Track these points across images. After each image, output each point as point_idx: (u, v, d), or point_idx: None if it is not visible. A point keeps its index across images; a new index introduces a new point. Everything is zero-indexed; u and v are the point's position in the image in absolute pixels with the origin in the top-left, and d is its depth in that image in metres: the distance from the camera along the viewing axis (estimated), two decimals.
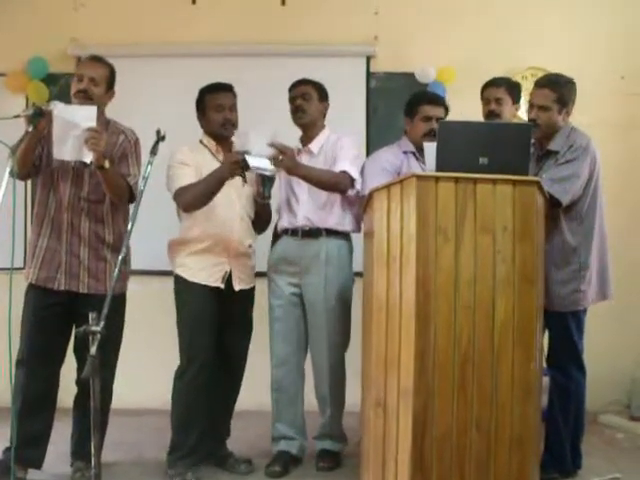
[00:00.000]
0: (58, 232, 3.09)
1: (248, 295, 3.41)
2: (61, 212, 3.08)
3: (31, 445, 3.02)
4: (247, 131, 3.13)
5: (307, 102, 3.42)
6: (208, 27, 4.60)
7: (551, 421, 3.17)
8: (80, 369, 3.15)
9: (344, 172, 3.31)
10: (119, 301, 3.06)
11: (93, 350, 2.19)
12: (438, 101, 3.50)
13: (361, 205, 3.15)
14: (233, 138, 3.32)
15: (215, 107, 3.29)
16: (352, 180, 3.32)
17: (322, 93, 3.49)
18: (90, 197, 3.10)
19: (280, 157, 3.10)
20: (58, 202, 3.09)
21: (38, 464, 3.12)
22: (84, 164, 3.00)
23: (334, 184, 3.31)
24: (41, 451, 3.12)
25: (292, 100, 3.46)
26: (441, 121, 3.00)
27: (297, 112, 3.43)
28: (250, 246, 3.37)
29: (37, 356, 3.02)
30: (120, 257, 2.45)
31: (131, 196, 3.17)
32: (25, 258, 3.23)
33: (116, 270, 2.46)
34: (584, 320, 3.23)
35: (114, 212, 3.17)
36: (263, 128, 3.10)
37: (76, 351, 3.18)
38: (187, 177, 3.21)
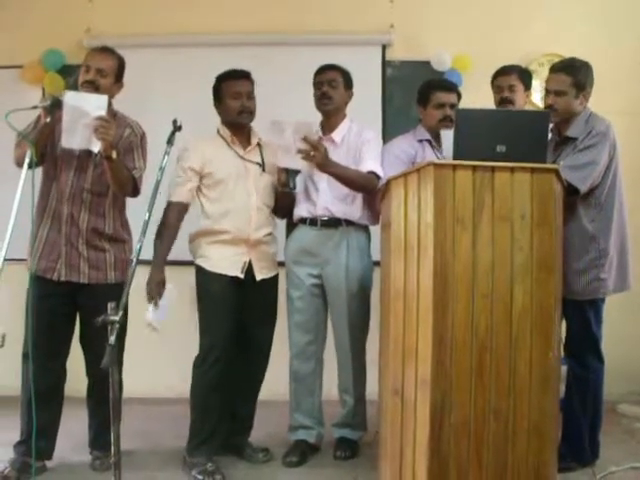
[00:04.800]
0: (58, 223, 3.08)
1: (271, 284, 3.40)
2: (62, 203, 3.07)
3: (40, 437, 2.98)
4: (281, 121, 3.11)
5: (334, 89, 3.39)
6: (223, 17, 4.60)
7: (569, 411, 3.15)
8: (89, 360, 3.19)
9: (371, 172, 3.30)
10: (121, 289, 2.97)
11: (112, 339, 2.20)
12: (450, 87, 3.50)
13: (378, 195, 3.14)
14: (261, 124, 3.28)
15: (232, 94, 3.27)
16: (378, 178, 3.31)
17: (348, 81, 3.46)
18: (93, 189, 3.09)
19: (312, 153, 3.08)
20: (59, 193, 3.08)
21: (48, 455, 3.15)
22: (89, 154, 2.99)
23: (363, 186, 3.30)
24: (50, 442, 3.15)
25: (318, 85, 3.42)
26: (458, 109, 2.99)
27: (323, 98, 3.40)
28: (269, 234, 3.37)
29: (42, 348, 2.99)
30: (137, 246, 2.47)
31: (135, 190, 3.17)
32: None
33: (134, 260, 2.47)
34: (602, 309, 3.21)
35: (114, 204, 3.17)
36: (299, 121, 3.08)
37: (83, 342, 3.20)
38: (180, 192, 3.24)
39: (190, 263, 3.34)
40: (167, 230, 3.21)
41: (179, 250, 3.27)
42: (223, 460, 3.28)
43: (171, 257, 3.23)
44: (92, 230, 3.10)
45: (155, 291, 3.11)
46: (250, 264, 3.28)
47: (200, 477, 3.08)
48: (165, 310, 3.16)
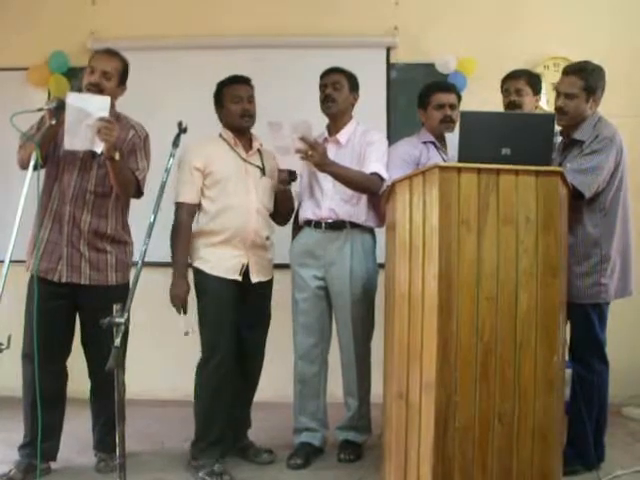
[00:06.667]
0: (60, 224, 3.07)
1: (266, 288, 3.41)
2: (64, 204, 3.06)
3: (44, 438, 2.99)
4: (280, 121, 3.12)
5: (337, 91, 3.41)
6: (227, 19, 4.60)
7: (574, 414, 3.14)
8: (91, 361, 3.19)
9: (375, 174, 3.29)
10: (122, 291, 2.96)
11: (117, 341, 2.19)
12: (449, 87, 3.53)
13: (383, 197, 3.13)
14: (262, 127, 3.29)
15: (233, 98, 3.30)
16: (382, 180, 3.30)
17: (353, 84, 3.47)
18: (97, 190, 3.09)
19: (310, 152, 3.09)
20: (62, 194, 3.07)
21: (52, 456, 3.15)
22: (93, 155, 3.00)
23: (366, 187, 3.30)
24: (55, 443, 3.15)
25: (322, 88, 3.44)
26: (463, 111, 2.98)
27: (326, 101, 3.42)
28: (267, 238, 3.37)
29: (42, 349, 2.91)
30: (143, 248, 2.45)
31: (138, 191, 3.17)
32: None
33: (139, 262, 2.46)
34: (606, 312, 3.20)
35: (117, 206, 3.17)
36: (296, 120, 3.09)
37: (84, 344, 3.19)
38: (190, 192, 3.25)
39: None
40: (183, 231, 3.24)
41: None
42: (227, 462, 3.27)
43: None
44: (94, 232, 3.09)
45: (180, 300, 3.15)
46: (247, 267, 3.28)
47: (208, 479, 3.08)
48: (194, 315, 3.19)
